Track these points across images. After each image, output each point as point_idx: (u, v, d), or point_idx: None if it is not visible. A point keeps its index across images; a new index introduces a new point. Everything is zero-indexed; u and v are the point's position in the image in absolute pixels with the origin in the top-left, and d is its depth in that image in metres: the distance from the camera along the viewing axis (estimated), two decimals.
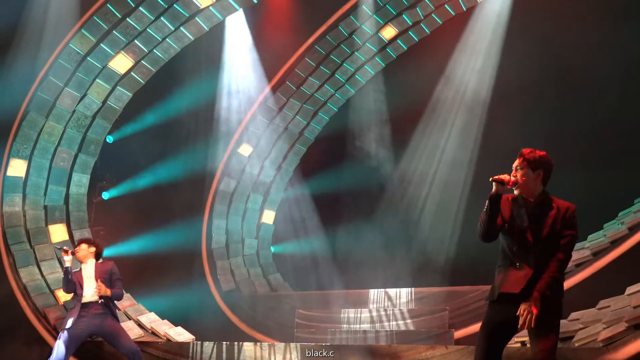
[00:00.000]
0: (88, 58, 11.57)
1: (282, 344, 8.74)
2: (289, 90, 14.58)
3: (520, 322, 4.52)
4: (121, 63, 11.98)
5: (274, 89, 14.51)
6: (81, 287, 7.76)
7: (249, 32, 14.04)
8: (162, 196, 13.20)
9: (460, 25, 13.77)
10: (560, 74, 12.23)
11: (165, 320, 10.55)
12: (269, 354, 8.65)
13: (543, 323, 4.50)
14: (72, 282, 7.81)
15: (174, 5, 11.83)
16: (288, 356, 8.53)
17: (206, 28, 12.50)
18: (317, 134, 15.56)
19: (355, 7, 13.72)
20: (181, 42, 12.43)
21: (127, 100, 12.32)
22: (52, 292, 10.56)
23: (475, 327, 8.98)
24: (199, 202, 14.02)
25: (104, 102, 12.03)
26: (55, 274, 10.79)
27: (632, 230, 8.97)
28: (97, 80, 11.80)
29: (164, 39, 12.16)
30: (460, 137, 13.61)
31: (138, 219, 12.88)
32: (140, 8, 11.62)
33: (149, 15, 11.72)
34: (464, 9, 13.68)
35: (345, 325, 10.86)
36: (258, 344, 9.00)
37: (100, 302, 7.72)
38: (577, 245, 9.08)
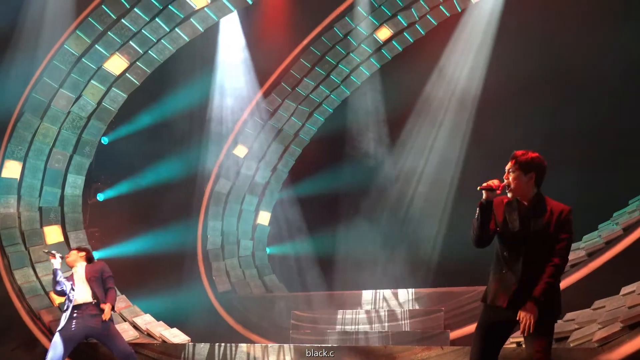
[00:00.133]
0: (83, 59, 11.55)
1: (277, 345, 8.73)
2: (284, 92, 14.58)
3: (521, 328, 4.53)
4: (116, 64, 11.97)
5: (269, 90, 14.52)
6: (72, 289, 7.78)
7: (244, 33, 14.04)
8: (157, 197, 13.18)
9: (454, 26, 13.81)
10: (557, 74, 12.26)
11: (161, 322, 10.54)
12: (264, 356, 8.64)
13: (538, 325, 4.51)
14: (62, 283, 7.84)
15: (169, 6, 11.80)
16: (283, 357, 8.52)
17: (201, 29, 12.48)
18: (313, 135, 15.56)
19: (350, 8, 13.74)
20: (176, 44, 12.41)
21: (122, 102, 12.30)
22: (46, 293, 10.54)
23: (471, 328, 8.98)
24: (194, 204, 14.01)
25: (99, 103, 12.01)
26: (50, 276, 10.72)
27: (626, 230, 8.99)
28: (92, 81, 11.78)
29: (158, 40, 12.14)
30: (457, 136, 13.63)
31: (133, 220, 12.86)
32: (135, 9, 11.59)
33: (143, 16, 11.70)
34: (459, 10, 13.71)
35: (341, 327, 10.86)
36: (253, 345, 9.00)
37: (93, 302, 7.73)
38: (572, 246, 9.08)
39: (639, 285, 7.36)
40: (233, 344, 8.94)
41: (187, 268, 13.36)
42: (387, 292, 11.44)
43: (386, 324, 10.59)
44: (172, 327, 10.39)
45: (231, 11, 12.82)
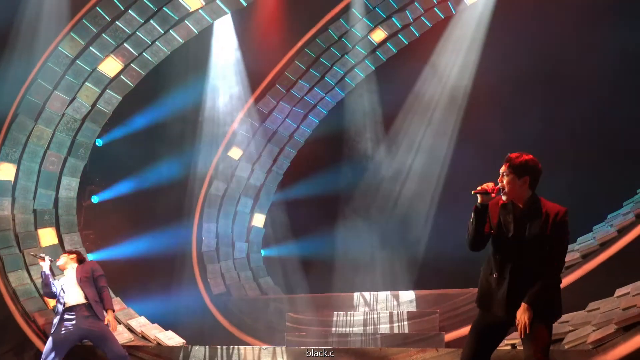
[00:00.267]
0: (77, 61, 11.52)
1: (272, 348, 8.73)
2: (278, 93, 14.58)
3: (519, 330, 4.53)
4: (110, 66, 11.94)
5: (263, 92, 14.51)
6: (62, 290, 7.77)
7: (238, 35, 14.03)
8: (152, 199, 13.16)
9: (447, 25, 13.85)
10: (548, 74, 12.29)
11: (156, 325, 10.51)
12: (260, 358, 8.64)
13: (537, 324, 4.51)
14: (51, 285, 7.88)
15: (164, 8, 11.77)
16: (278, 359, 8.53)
17: (196, 31, 12.46)
18: (307, 136, 15.56)
19: (345, 10, 13.74)
20: (171, 45, 12.39)
21: (117, 104, 12.28)
22: (41, 296, 10.50)
23: (466, 330, 8.93)
24: (189, 206, 13.99)
25: (94, 105, 11.98)
26: None
27: (621, 232, 9.01)
28: (87, 83, 11.75)
29: (153, 42, 12.12)
30: (454, 136, 13.65)
31: (128, 222, 12.84)
32: (129, 11, 11.56)
33: (138, 18, 11.67)
34: (453, 12, 13.73)
35: (336, 329, 10.86)
36: (249, 347, 8.99)
37: (86, 304, 7.72)
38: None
39: (634, 287, 7.38)
40: (228, 347, 8.93)
41: (181, 270, 13.34)
42: (382, 294, 11.45)
43: (381, 326, 10.59)
44: (166, 329, 10.37)
45: (226, 13, 12.79)
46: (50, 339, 7.63)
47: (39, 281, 10.69)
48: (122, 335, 9.66)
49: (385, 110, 14.67)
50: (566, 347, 7.17)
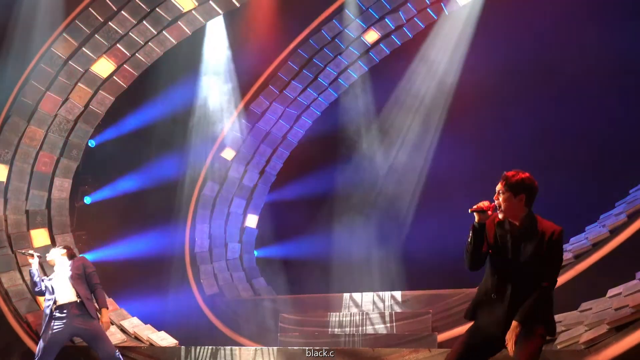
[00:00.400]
0: (70, 62, 11.50)
1: (265, 348, 8.72)
2: (272, 94, 14.58)
3: (509, 349, 4.54)
4: (103, 67, 11.92)
5: (257, 93, 14.51)
6: (54, 289, 7.69)
7: (231, 36, 14.01)
8: (144, 200, 13.13)
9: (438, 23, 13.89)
10: (540, 73, 12.32)
11: (148, 325, 10.50)
12: (253, 358, 8.64)
13: (525, 342, 4.51)
14: (39, 283, 7.82)
15: (156, 9, 11.75)
16: None
17: (189, 32, 12.43)
18: (300, 137, 15.56)
19: (338, 11, 13.75)
20: (163, 46, 12.37)
21: (110, 104, 12.25)
22: (33, 297, 10.48)
23: (459, 330, 9.02)
24: (182, 206, 13.97)
25: (86, 106, 11.95)
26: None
27: (613, 233, 9.04)
28: (79, 84, 11.72)
29: (146, 42, 12.09)
30: (452, 135, 13.66)
31: (120, 223, 12.82)
32: (122, 12, 11.54)
33: (131, 19, 11.65)
34: (446, 13, 13.74)
35: (328, 329, 10.85)
36: (242, 348, 8.99)
37: (78, 301, 7.64)
38: None
39: (626, 288, 7.40)
40: (221, 347, 8.93)
41: (175, 271, 13.32)
42: (375, 295, 11.45)
43: (374, 327, 10.59)
44: (159, 330, 10.36)
45: (219, 14, 12.75)
46: (41, 339, 7.56)
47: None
48: (114, 336, 9.64)
49: (379, 111, 14.68)
50: (558, 347, 7.19)
